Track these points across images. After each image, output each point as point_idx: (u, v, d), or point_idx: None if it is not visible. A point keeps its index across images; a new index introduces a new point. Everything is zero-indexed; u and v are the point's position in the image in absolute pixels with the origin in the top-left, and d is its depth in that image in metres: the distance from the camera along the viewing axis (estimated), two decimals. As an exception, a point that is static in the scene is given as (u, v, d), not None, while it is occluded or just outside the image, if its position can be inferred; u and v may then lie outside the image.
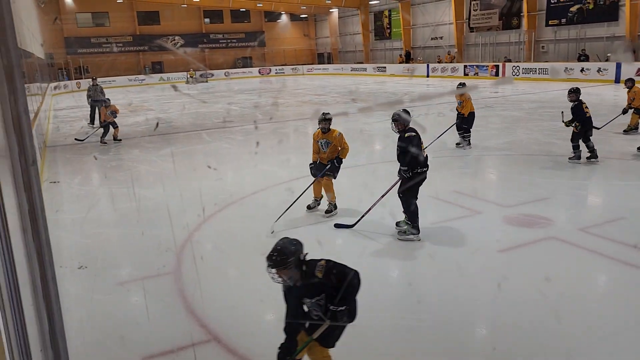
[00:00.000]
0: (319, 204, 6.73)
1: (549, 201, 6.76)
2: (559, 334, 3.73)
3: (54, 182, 9.01)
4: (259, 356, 3.57)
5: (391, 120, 5.68)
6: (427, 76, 31.00)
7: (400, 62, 35.89)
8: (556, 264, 4.99)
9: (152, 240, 5.96)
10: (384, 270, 5.06)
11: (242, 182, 8.57)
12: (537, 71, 24.51)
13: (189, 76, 36.99)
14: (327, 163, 6.45)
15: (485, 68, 27.57)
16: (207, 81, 37.87)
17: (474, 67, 28.39)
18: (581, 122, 8.21)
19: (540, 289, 4.42)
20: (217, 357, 3.61)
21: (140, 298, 4.62)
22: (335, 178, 6.52)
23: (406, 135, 5.48)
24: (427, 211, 6.51)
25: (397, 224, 5.92)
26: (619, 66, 21.18)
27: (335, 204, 6.61)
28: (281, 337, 3.90)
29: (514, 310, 4.10)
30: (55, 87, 31.31)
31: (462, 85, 11.50)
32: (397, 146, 5.61)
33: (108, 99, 13.31)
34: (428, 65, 31.53)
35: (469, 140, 10.27)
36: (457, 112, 10.31)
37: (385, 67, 35.66)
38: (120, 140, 12.77)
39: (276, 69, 42.57)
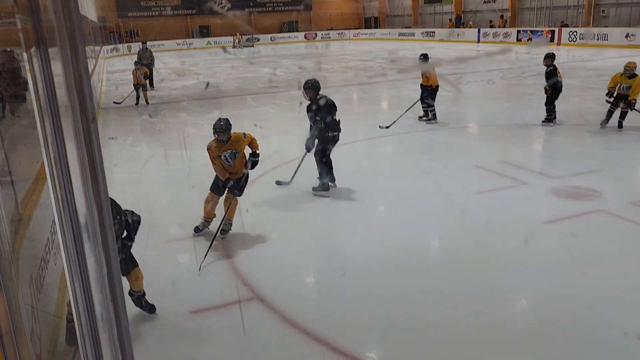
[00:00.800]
0: (209, 225, 5.29)
1: (600, 173, 6.55)
2: (603, 308, 3.68)
3: (112, 138, 9.39)
4: (296, 314, 3.69)
5: (303, 89, 6.07)
6: (478, 42, 29.97)
7: (450, 27, 34.79)
8: (605, 237, 4.87)
9: (200, 201, 6.16)
10: (425, 237, 5.07)
11: (287, 146, 8.65)
12: (596, 37, 23.29)
13: (235, 40, 37.09)
14: (242, 175, 5.09)
15: (539, 33, 26.39)
16: (253, 45, 37.89)
17: (528, 32, 27.22)
18: (553, 87, 8.89)
19: (586, 262, 4.35)
20: (259, 314, 3.76)
21: (188, 256, 4.83)
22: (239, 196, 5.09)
23: (320, 101, 5.95)
24: (471, 180, 6.46)
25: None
26: (686, 32, 19.89)
27: (232, 222, 5.19)
28: (318, 298, 4.02)
29: (558, 284, 4.05)
30: (112, 49, 32.11)
31: (424, 57, 10.08)
32: (309, 111, 6.08)
33: (137, 61, 13.56)
34: (479, 30, 30.44)
35: (435, 113, 9.71)
36: (421, 86, 9.71)
37: (434, 32, 34.65)
38: (149, 103, 13.08)
39: (322, 34, 42.04)
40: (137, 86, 13.03)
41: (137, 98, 13.03)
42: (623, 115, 8.36)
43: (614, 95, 8.31)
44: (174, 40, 37.01)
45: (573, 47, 23.78)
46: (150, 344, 3.51)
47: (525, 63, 19.62)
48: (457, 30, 32.75)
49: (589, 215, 5.28)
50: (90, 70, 8.50)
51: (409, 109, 9.65)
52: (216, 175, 5.07)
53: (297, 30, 43.13)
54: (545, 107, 9.10)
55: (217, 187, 5.11)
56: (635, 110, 8.30)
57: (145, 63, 15.50)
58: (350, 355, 3.25)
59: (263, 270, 4.44)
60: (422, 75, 9.70)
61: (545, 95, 9.08)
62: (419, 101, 9.81)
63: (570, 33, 24.70)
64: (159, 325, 3.71)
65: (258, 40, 39.47)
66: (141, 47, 15.89)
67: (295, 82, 16.97)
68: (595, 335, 3.39)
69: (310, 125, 6.22)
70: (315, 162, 6.28)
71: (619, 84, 8.28)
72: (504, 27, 30.09)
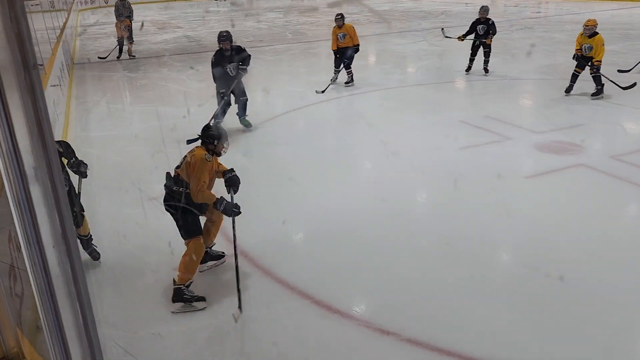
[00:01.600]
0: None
1: (583, 127, 6.58)
2: (584, 258, 3.76)
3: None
4: (280, 269, 3.72)
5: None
6: (466, -6, 29.37)
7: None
8: (583, 191, 4.94)
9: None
10: (408, 192, 5.09)
11: (272, 103, 8.55)
12: (585, -11, 22.96)
13: (218, -8, 35.92)
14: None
15: (528, -14, 25.91)
16: (236, -2, 36.74)
17: (516, -16, 26.70)
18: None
19: (565, 216, 4.42)
20: (243, 270, 3.77)
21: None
22: None
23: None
24: (457, 135, 6.45)
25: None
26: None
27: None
28: (303, 253, 4.04)
29: (536, 236, 4.12)
30: (86, 1, 30.98)
31: (342, 16, 8.94)
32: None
33: (128, 16, 13.14)
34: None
35: (352, 76, 9.19)
36: (339, 48, 9.00)
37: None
38: (134, 56, 12.75)
39: (307, -14, 40.87)
40: (120, 40, 12.65)
41: (120, 52, 12.69)
42: (597, 81, 7.75)
43: (578, 57, 7.85)
44: (153, -8, 35.73)
45: (562, 0, 23.47)
46: (135, 300, 3.53)
47: (514, 17, 19.36)
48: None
49: (569, 169, 5.33)
50: (62, 25, 8.15)
51: (339, 71, 9.18)
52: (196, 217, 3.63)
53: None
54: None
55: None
56: (602, 75, 7.67)
57: (124, 16, 15.01)
58: (334, 308, 3.30)
59: (246, 226, 4.43)
60: (345, 37, 8.88)
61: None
62: (345, 63, 9.08)
63: (559, -15, 24.31)
64: (142, 281, 3.72)
65: (241, -8, 38.27)
66: (119, -1, 15.31)
67: (280, 36, 16.61)
68: (575, 287, 3.47)
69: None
70: None
71: (581, 45, 7.82)
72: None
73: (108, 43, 16.14)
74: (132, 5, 15.46)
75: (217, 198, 3.49)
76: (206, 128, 3.70)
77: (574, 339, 3.02)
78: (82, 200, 3.96)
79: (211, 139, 3.62)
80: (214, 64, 6.62)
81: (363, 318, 3.21)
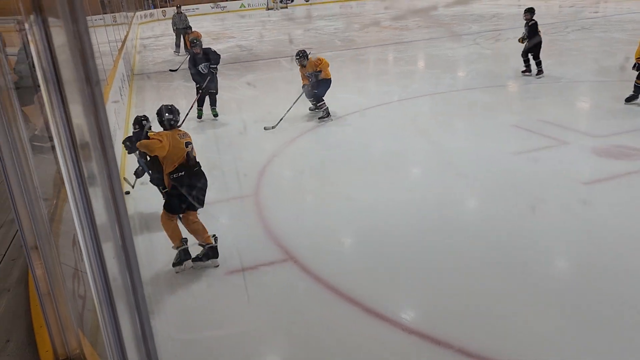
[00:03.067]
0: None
1: (646, 131, 6.28)
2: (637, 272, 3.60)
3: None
4: (330, 276, 3.75)
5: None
6: (520, -5, 28.63)
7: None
8: (646, 198, 4.72)
9: (234, 164, 6.26)
10: (460, 199, 5.01)
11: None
12: (648, -14, 21.86)
13: (270, 1, 36.62)
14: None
15: (586, -16, 24.96)
16: (287, 7, 37.34)
17: (574, -17, 25.78)
18: (534, 40, 9.12)
19: (625, 224, 4.23)
20: (293, 275, 3.83)
21: (223, 218, 4.93)
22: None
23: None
24: (509, 140, 6.31)
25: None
26: None
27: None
28: (353, 259, 4.06)
29: (594, 245, 3.97)
30: (146, 15, 32.33)
31: (303, 55, 7.68)
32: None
33: (190, 27, 13.58)
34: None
35: (327, 110, 7.81)
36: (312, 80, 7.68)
37: (473, -13, 33.27)
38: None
39: (356, -8, 41.00)
40: (189, 51, 13.08)
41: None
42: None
43: None
44: (207, 4, 36.84)
45: (622, -2, 22.47)
46: (187, 303, 3.64)
47: (569, 17, 18.71)
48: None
49: (632, 175, 5.10)
50: (123, 37, 8.55)
51: (294, 103, 7.91)
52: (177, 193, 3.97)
53: (331, -10, 42.14)
54: (522, 58, 9.49)
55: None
56: None
57: (180, 28, 15.56)
58: (384, 316, 3.29)
59: (297, 231, 4.50)
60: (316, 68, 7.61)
61: (522, 45, 9.40)
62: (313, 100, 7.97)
63: (620, -17, 23.27)
64: (194, 285, 3.84)
65: (292, 1, 38.84)
66: (175, 12, 15.90)
67: (329, 44, 16.73)
68: (630, 297, 3.32)
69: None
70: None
71: None
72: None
73: (165, 54, 16.76)
74: (188, 17, 16.04)
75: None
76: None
77: (634, 354, 2.89)
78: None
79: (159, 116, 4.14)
80: (191, 66, 8.06)
81: (414, 327, 3.19)
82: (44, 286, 1.75)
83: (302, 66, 7.69)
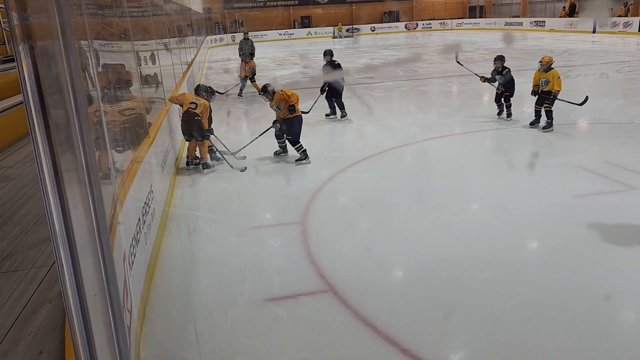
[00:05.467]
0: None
1: None
2: None
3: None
4: (369, 311, 3.62)
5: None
6: (594, 32, 27.72)
7: (562, 16, 32.46)
8: None
9: (285, 190, 6.27)
10: (516, 240, 4.77)
11: (378, 139, 8.55)
12: None
13: (336, 31, 37.29)
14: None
15: (667, 22, 23.85)
16: (353, 36, 37.89)
17: (653, 21, 24.71)
18: (508, 86, 9.05)
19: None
20: (332, 307, 3.73)
21: (268, 244, 4.92)
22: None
23: None
24: (573, 182, 5.99)
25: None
26: None
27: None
28: (394, 297, 3.91)
29: (662, 302, 3.64)
30: (216, 39, 33.67)
31: (264, 91, 7.22)
32: None
33: (251, 54, 13.96)
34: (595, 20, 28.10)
35: (305, 151, 7.20)
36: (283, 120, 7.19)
37: (544, 22, 32.53)
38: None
39: (423, 24, 41.07)
40: (243, 79, 13.47)
41: (241, 90, 13.48)
42: (548, 115, 8.22)
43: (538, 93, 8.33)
44: (276, 31, 37.97)
45: None
46: (221, 327, 3.62)
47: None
48: (574, 20, 30.47)
49: None
50: (190, 60, 8.90)
51: (259, 135, 7.80)
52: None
53: (398, 20, 42.47)
54: (496, 103, 9.37)
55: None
56: (560, 100, 8.25)
57: (245, 53, 16.04)
58: (420, 357, 3.13)
59: (340, 263, 4.41)
60: (280, 107, 7.14)
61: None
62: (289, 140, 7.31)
63: None
64: (232, 310, 3.81)
65: (358, 30, 39.38)
66: (243, 38, 16.43)
67: (391, 73, 16.73)
68: None
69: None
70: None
71: (539, 80, 8.28)
72: (626, 15, 27.54)
73: (230, 78, 17.31)
74: (254, 44, 16.53)
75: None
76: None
77: None
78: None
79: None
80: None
81: (452, 374, 3.01)
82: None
83: (269, 100, 7.14)
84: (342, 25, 38.11)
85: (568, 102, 8.54)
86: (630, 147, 7.45)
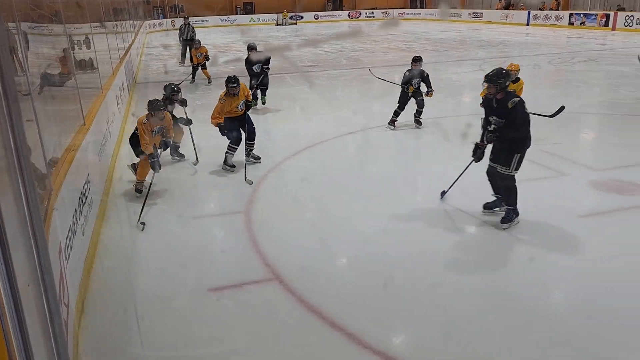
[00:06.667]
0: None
1: (647, 167, 6.21)
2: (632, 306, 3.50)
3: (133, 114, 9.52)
4: (315, 298, 3.66)
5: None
6: (527, 24, 28.87)
7: (499, 8, 33.62)
8: (642, 235, 4.64)
9: (229, 180, 6.19)
10: (449, 226, 4.93)
11: (321, 127, 8.57)
12: (655, 22, 22.02)
13: (280, 18, 36.94)
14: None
15: (593, 17, 25.14)
16: (296, 24, 37.67)
17: (581, 15, 25.98)
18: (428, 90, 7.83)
19: (620, 259, 4.14)
20: (278, 296, 3.74)
21: (211, 233, 4.86)
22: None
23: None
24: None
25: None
26: None
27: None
28: (339, 283, 3.94)
29: (588, 281, 3.88)
30: (155, 24, 32.59)
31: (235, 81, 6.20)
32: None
33: (198, 40, 13.59)
34: (529, 13, 29.28)
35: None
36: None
37: (481, 13, 33.58)
38: (211, 82, 13.05)
39: (366, 13, 41.43)
40: (195, 65, 13.05)
41: (193, 77, 13.08)
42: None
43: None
44: (217, 17, 37.16)
45: (629, 32, 22.56)
46: (165, 317, 3.55)
47: (577, 48, 18.78)
48: (509, 12, 31.57)
49: (629, 210, 5.02)
50: (127, 46, 8.56)
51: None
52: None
53: (341, 9, 42.61)
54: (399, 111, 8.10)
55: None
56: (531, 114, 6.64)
57: (187, 39, 15.61)
58: (366, 342, 3.20)
59: (285, 251, 4.42)
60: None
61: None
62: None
63: (627, 17, 23.41)
64: (175, 300, 3.75)
65: (301, 18, 39.21)
66: (183, 23, 15.99)
67: (335, 62, 16.79)
68: (626, 331, 3.23)
69: None
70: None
71: None
72: (557, 9, 28.83)
73: (170, 64, 16.84)
74: (195, 29, 16.10)
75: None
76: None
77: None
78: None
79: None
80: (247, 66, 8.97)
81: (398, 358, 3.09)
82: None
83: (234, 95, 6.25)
84: (288, 12, 37.75)
85: (538, 114, 7.36)
86: (561, 135, 7.84)
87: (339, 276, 4.16)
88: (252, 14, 39.86)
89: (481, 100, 5.13)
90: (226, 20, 37.50)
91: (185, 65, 15.52)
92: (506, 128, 4.67)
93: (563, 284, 3.97)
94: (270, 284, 3.89)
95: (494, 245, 4.50)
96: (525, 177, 5.96)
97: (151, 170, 5.42)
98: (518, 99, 4.64)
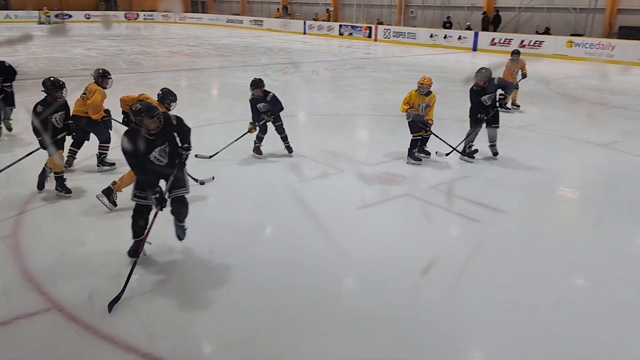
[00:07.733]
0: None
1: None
2: (407, 282, 3.97)
3: None
4: (102, 324, 3.34)
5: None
6: (304, 33, 30.89)
7: (277, 17, 35.30)
8: (408, 218, 5.32)
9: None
10: (256, 226, 4.99)
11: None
12: (406, 35, 25.50)
13: (42, 16, 33.07)
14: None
15: (359, 29, 28.08)
16: (63, 22, 34.18)
17: (349, 27, 28.79)
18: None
19: (392, 243, 4.67)
20: (57, 325, 3.32)
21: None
22: None
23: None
24: (296, 169, 6.59)
25: None
26: (476, 35, 22.73)
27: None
28: (128, 305, 3.65)
29: (365, 264, 4.28)
30: None
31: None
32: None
33: None
34: (305, 23, 31.38)
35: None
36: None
37: (262, 21, 34.85)
38: None
39: (145, 15, 39.69)
40: None
41: None
42: (424, 142, 7.03)
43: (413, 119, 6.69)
44: (-37, 11, 31.74)
45: (388, 43, 25.75)
46: None
47: (347, 56, 20.72)
48: (287, 21, 33.30)
49: (397, 199, 5.70)
50: None
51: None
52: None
53: (116, 9, 40.09)
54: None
55: None
56: (434, 135, 7.02)
57: None
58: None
59: (63, 276, 3.94)
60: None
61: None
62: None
63: (385, 30, 26.69)
64: None
65: (70, 17, 35.77)
66: None
67: (113, 65, 15.68)
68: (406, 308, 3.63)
69: None
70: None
71: (418, 105, 6.69)
72: (328, 20, 31.42)
73: None
74: None
75: None
76: None
77: None
78: None
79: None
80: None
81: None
82: None
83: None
84: (48, 9, 33.84)
85: (444, 141, 7.18)
86: (339, 135, 8.55)
87: (127, 297, 3.85)
88: (7, 10, 35.01)
89: None
90: (-24, 16, 32.25)
91: None
92: None
93: (346, 268, 4.31)
94: (47, 314, 3.43)
95: (290, 236, 4.67)
96: (312, 175, 6.39)
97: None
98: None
